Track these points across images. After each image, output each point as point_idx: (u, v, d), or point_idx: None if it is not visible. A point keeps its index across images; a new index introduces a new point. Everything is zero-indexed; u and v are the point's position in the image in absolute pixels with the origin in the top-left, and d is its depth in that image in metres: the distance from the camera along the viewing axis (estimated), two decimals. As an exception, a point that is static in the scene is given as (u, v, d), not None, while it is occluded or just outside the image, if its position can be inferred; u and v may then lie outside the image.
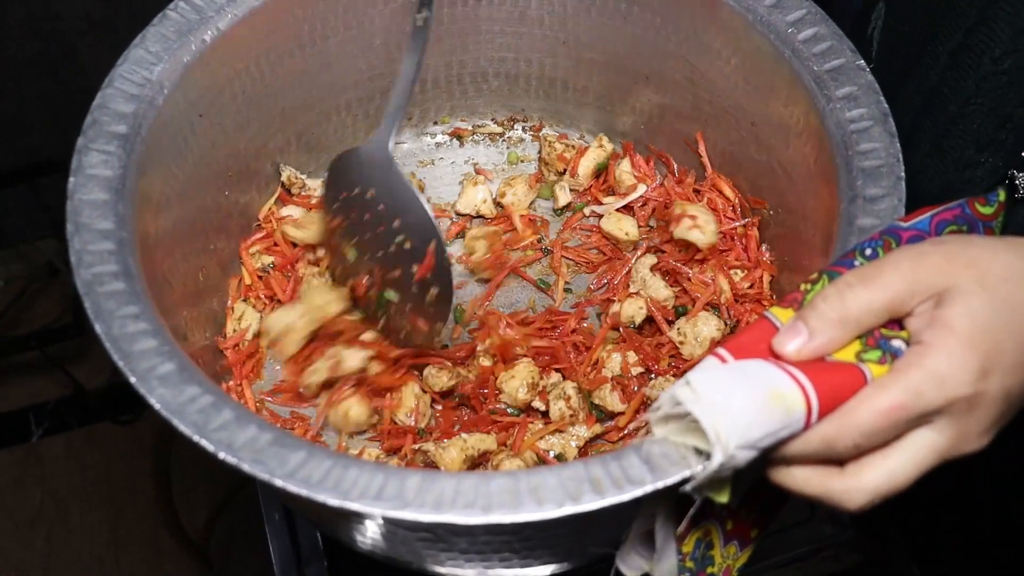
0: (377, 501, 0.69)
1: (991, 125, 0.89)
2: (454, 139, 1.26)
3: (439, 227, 0.98)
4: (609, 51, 1.14)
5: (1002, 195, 0.78)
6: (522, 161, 1.25)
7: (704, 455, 0.66)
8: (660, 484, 0.67)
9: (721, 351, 0.68)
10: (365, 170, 1.00)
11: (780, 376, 0.65)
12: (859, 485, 0.66)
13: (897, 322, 0.68)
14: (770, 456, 0.67)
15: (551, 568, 0.93)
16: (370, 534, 0.88)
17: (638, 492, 0.67)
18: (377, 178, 0.99)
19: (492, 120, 1.25)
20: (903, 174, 0.85)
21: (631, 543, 0.79)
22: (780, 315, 0.70)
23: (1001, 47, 0.86)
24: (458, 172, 1.25)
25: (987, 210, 0.77)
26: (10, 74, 2.16)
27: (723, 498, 0.68)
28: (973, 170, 0.91)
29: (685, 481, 0.68)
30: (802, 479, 0.68)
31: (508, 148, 1.25)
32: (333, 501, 0.69)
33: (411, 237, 0.98)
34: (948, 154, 0.93)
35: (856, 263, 0.72)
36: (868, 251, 0.73)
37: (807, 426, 0.65)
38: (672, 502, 0.74)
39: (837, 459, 0.67)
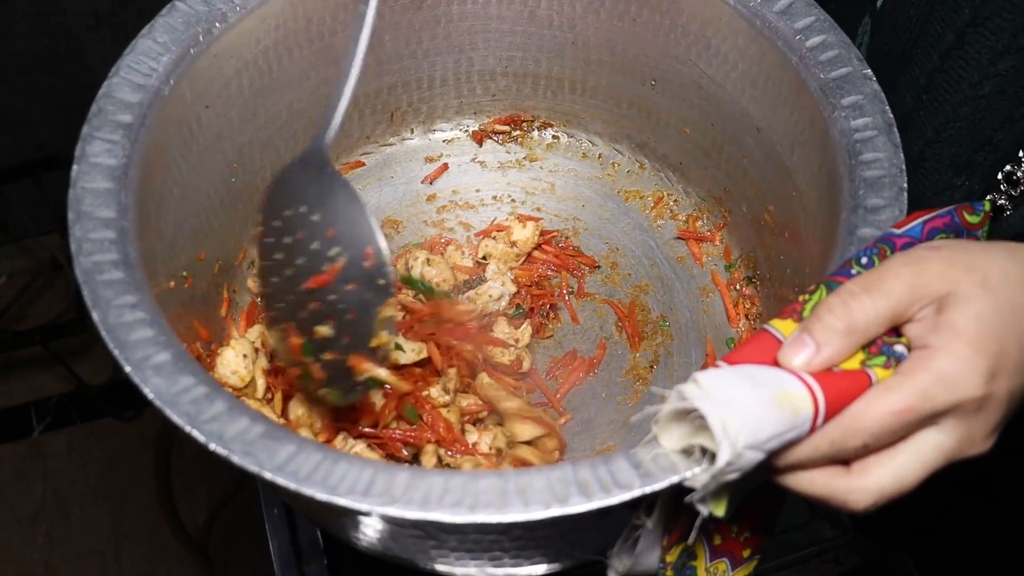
0: (365, 497, 0.68)
1: (969, 148, 0.89)
2: (463, 136, 1.26)
3: (380, 233, 0.83)
4: (617, 53, 1.14)
5: (987, 205, 0.79)
6: (533, 160, 1.25)
7: (709, 455, 0.66)
8: (648, 489, 0.67)
9: (720, 363, 0.68)
10: (298, 184, 0.88)
11: (788, 378, 0.65)
12: (865, 485, 0.66)
13: (894, 330, 0.68)
14: (776, 461, 0.66)
15: (542, 568, 0.92)
16: (363, 530, 0.88)
17: (626, 496, 0.67)
18: (311, 189, 0.87)
19: (499, 119, 1.25)
20: (905, 185, 0.84)
21: (619, 548, 0.79)
22: (781, 327, 0.69)
23: (980, 71, 0.85)
24: (465, 170, 1.25)
25: (974, 219, 0.77)
26: (17, 69, 2.18)
27: (720, 510, 0.68)
28: (951, 193, 0.91)
29: (676, 488, 0.68)
30: (807, 480, 0.67)
31: (516, 147, 1.26)
32: (321, 495, 0.69)
33: (346, 250, 0.83)
34: (925, 177, 0.92)
35: (853, 272, 0.71)
36: (864, 260, 0.73)
37: (813, 429, 0.64)
38: (663, 510, 0.74)
39: (843, 460, 0.67)
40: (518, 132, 1.26)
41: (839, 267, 0.74)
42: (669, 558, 0.78)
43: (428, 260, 1.11)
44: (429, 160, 1.25)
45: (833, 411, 0.65)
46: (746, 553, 0.81)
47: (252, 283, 1.11)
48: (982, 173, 0.89)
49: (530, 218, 1.16)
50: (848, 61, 0.93)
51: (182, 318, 0.96)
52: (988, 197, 0.89)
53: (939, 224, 0.75)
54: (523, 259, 1.16)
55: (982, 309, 0.65)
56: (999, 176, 0.88)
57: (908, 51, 0.92)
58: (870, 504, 0.66)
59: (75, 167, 0.86)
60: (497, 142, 1.26)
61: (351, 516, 0.85)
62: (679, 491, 0.68)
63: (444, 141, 1.26)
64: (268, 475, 0.70)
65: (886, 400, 0.64)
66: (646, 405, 1.05)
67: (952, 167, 0.90)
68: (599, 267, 1.18)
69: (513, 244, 1.15)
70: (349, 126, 1.19)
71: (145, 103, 0.91)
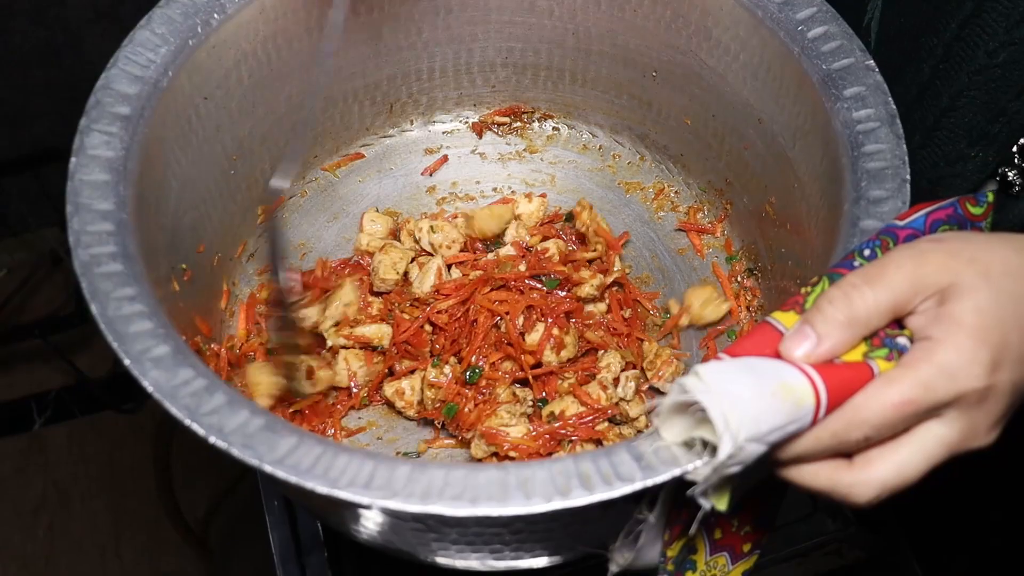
0: (366, 489, 0.68)
1: (983, 119, 0.88)
2: (463, 128, 1.26)
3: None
4: (618, 43, 1.13)
5: (991, 196, 0.78)
6: (533, 152, 1.25)
7: (711, 448, 0.65)
8: (650, 482, 0.67)
9: (722, 355, 0.67)
10: None
11: (789, 370, 0.64)
12: (867, 478, 0.65)
13: (897, 322, 0.67)
14: (778, 454, 0.66)
15: (543, 561, 0.92)
16: (364, 523, 0.88)
17: (627, 489, 0.67)
18: None
19: (499, 111, 1.25)
20: (908, 176, 0.84)
21: (621, 542, 0.78)
22: (782, 319, 0.69)
23: (996, 39, 0.85)
24: (464, 162, 1.24)
25: (977, 210, 0.77)
26: (15, 62, 2.17)
27: (722, 504, 0.68)
28: (963, 164, 0.91)
29: (678, 481, 0.68)
30: (810, 473, 0.67)
31: (516, 138, 1.25)
32: (321, 488, 0.68)
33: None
34: (939, 147, 0.92)
35: (856, 264, 0.71)
36: (867, 252, 0.72)
37: (814, 421, 0.64)
38: (665, 504, 0.74)
39: (845, 453, 0.66)
40: (518, 124, 1.26)
41: (842, 259, 0.73)
42: (670, 552, 0.78)
43: (432, 228, 1.12)
44: (429, 152, 1.24)
45: (835, 403, 0.64)
46: (746, 547, 0.81)
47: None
48: (997, 145, 0.89)
49: (538, 195, 1.17)
50: (850, 52, 0.92)
51: (181, 311, 0.96)
52: (999, 172, 0.88)
53: (942, 216, 0.75)
54: None
55: (984, 300, 0.64)
56: (1014, 149, 0.88)
57: (926, 21, 0.91)
58: (872, 497, 0.66)
59: (73, 159, 0.85)
60: (497, 134, 1.26)
61: (352, 509, 0.85)
62: (681, 485, 0.68)
63: (444, 133, 1.25)
64: (268, 468, 0.70)
65: (888, 392, 0.64)
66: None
67: (966, 137, 0.90)
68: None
69: (517, 218, 1.15)
70: (349, 118, 1.18)
71: (143, 95, 0.91)
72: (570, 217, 1.17)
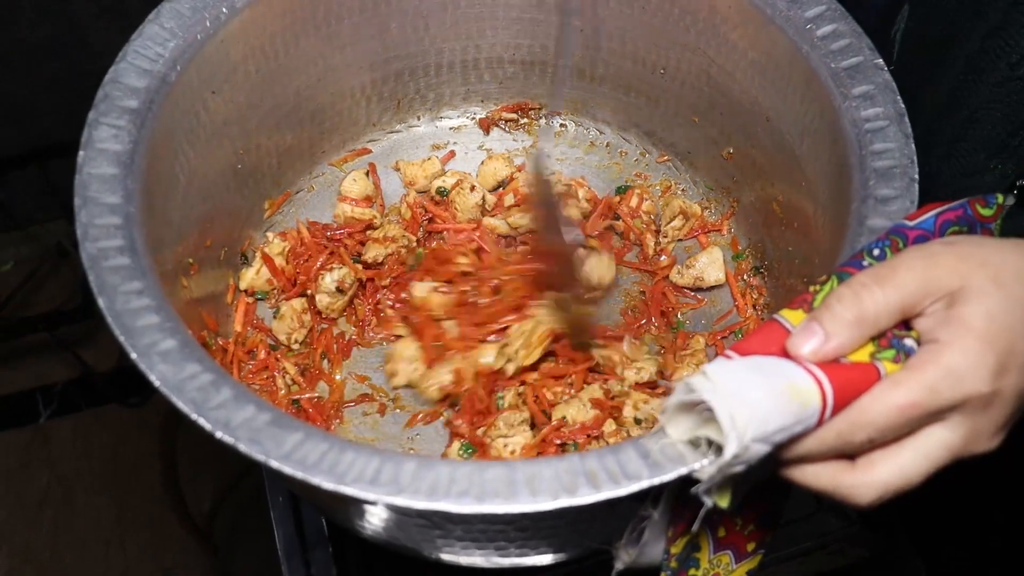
0: (372, 486, 0.68)
1: (1003, 132, 0.88)
2: (470, 124, 1.26)
3: None
4: (627, 41, 1.13)
5: (1000, 198, 0.78)
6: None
7: (715, 447, 0.65)
8: (656, 480, 0.67)
9: (729, 352, 0.67)
10: None
11: (796, 370, 0.64)
12: (870, 480, 0.65)
13: (905, 323, 0.67)
14: (782, 454, 0.66)
15: (548, 558, 0.92)
16: (368, 519, 0.88)
17: (634, 487, 0.67)
18: None
19: (506, 107, 1.25)
20: (916, 176, 0.84)
21: (626, 539, 0.78)
22: (790, 317, 0.68)
23: (1018, 52, 0.84)
24: (472, 157, 1.24)
25: (987, 212, 0.77)
26: (21, 57, 2.16)
27: (724, 502, 0.68)
28: (981, 176, 0.90)
29: (683, 479, 0.68)
30: (812, 474, 0.67)
31: (523, 135, 1.25)
32: (328, 484, 0.68)
33: None
34: (959, 159, 0.92)
35: (865, 263, 0.71)
36: (876, 251, 0.72)
37: (820, 422, 0.64)
38: (668, 501, 0.74)
39: (849, 454, 0.66)
40: (525, 120, 1.25)
41: (851, 258, 0.73)
42: (674, 549, 0.78)
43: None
44: (436, 147, 1.24)
45: (841, 404, 0.64)
46: (750, 547, 0.81)
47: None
48: (1017, 158, 0.88)
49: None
50: (859, 50, 0.92)
51: (188, 305, 0.96)
52: (1018, 185, 0.88)
53: (952, 217, 0.74)
54: None
55: (993, 305, 0.64)
56: None
57: (950, 32, 0.91)
58: (874, 499, 0.66)
59: (81, 153, 0.85)
60: (504, 130, 1.26)
61: (357, 505, 0.85)
62: (685, 483, 0.68)
63: (451, 128, 1.25)
64: (275, 463, 0.69)
65: (893, 394, 0.63)
66: (653, 395, 1.05)
67: (985, 150, 0.90)
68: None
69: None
70: (355, 112, 1.18)
71: (152, 89, 0.91)
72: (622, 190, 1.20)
